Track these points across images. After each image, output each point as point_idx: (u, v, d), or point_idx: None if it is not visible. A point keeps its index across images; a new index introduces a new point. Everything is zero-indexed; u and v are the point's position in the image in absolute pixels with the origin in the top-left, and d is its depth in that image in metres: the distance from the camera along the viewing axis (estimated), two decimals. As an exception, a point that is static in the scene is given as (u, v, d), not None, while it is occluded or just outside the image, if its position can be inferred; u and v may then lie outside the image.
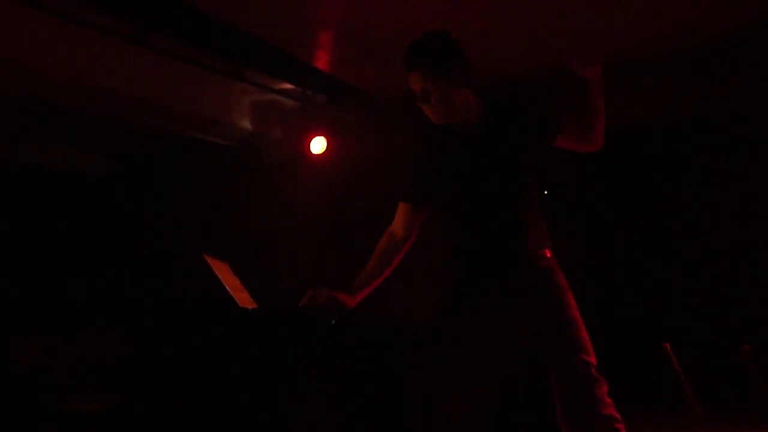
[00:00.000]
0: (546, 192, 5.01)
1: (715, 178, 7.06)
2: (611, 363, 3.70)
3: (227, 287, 4.38)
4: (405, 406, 4.11)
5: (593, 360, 3.64)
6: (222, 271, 4.49)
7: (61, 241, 8.70)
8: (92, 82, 6.86)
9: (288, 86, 8.08)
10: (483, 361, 3.72)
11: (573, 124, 3.92)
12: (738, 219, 6.84)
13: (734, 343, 5.19)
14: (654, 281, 6.69)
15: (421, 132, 3.82)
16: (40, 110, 7.64)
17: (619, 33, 6.51)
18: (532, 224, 3.83)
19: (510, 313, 3.71)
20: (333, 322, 4.29)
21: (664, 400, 4.42)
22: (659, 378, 4.47)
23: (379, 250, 3.91)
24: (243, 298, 4.47)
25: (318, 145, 8.30)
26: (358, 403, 4.11)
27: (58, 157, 9.16)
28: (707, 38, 6.78)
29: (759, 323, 6.59)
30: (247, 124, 8.48)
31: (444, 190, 3.87)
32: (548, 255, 3.83)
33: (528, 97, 3.95)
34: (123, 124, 8.22)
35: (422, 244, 7.96)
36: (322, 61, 7.58)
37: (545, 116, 3.92)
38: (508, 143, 3.82)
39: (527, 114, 3.89)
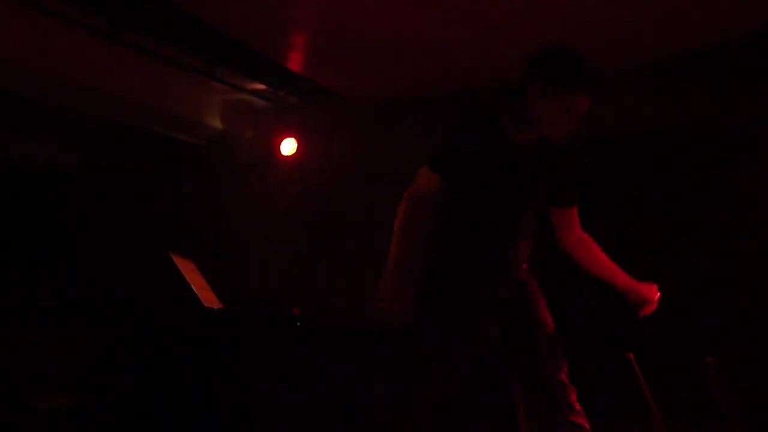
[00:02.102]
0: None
1: (686, 189, 7.09)
2: (574, 371, 3.71)
3: (193, 286, 4.37)
4: (367, 406, 4.11)
5: (564, 365, 3.66)
6: (188, 270, 4.48)
7: (26, 237, 8.62)
8: (63, 78, 6.82)
9: (260, 86, 8.06)
10: (454, 362, 3.71)
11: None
12: (707, 230, 6.88)
13: (699, 355, 5.23)
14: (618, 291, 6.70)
15: (488, 130, 3.63)
16: (9, 104, 7.57)
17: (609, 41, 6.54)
18: (529, 249, 3.84)
19: (490, 318, 3.71)
20: (298, 324, 4.29)
21: (626, 410, 4.44)
22: (622, 388, 4.49)
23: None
24: (209, 298, 4.46)
25: (288, 146, 8.30)
26: (322, 403, 4.11)
27: (25, 153, 9.08)
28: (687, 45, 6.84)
29: (724, 335, 6.64)
30: (217, 123, 8.46)
31: (473, 191, 3.74)
32: (525, 266, 3.84)
33: (580, 151, 3.84)
34: (93, 120, 8.16)
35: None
36: (294, 62, 7.57)
37: (579, 186, 3.87)
38: (551, 181, 3.77)
39: (574, 167, 3.82)
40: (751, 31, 6.60)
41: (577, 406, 3.61)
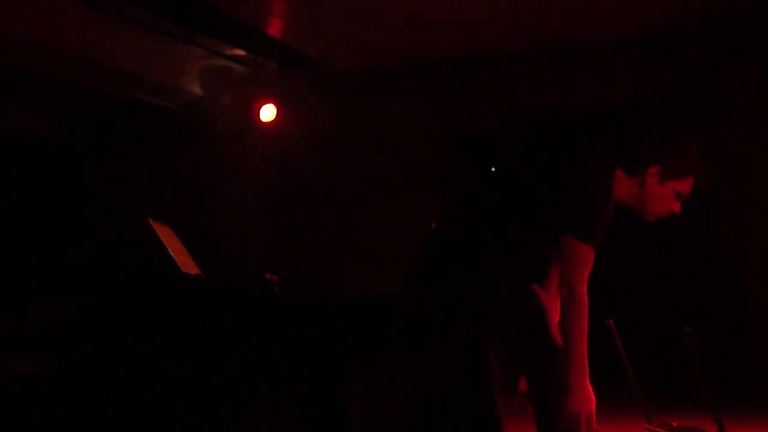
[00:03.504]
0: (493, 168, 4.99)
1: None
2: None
3: (171, 252, 4.35)
4: (346, 378, 4.11)
5: None
6: (166, 236, 4.46)
7: (4, 202, 8.56)
8: (41, 42, 6.77)
9: (239, 52, 8.00)
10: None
11: None
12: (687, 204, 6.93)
13: (678, 324, 5.27)
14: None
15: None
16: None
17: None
18: None
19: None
20: (277, 290, 4.28)
21: (605, 377, 4.46)
22: (603, 355, 4.51)
23: None
24: (186, 263, 4.44)
25: (267, 112, 8.25)
26: (300, 373, 4.10)
27: (2, 118, 9.01)
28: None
29: (703, 305, 6.72)
30: (196, 89, 8.40)
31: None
32: None
33: None
34: (70, 86, 8.09)
35: (382, 225, 8.05)
36: (274, 28, 7.53)
37: None
38: None
39: None
40: (731, 9, 6.65)
41: None
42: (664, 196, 3.54)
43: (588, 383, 3.37)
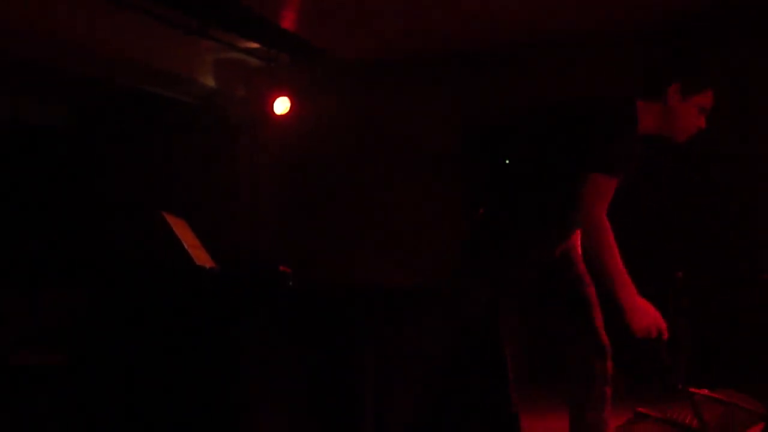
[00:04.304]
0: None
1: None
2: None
3: (185, 245, 4.37)
4: (359, 370, 4.13)
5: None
6: (180, 229, 4.47)
7: (16, 194, 8.60)
8: (55, 34, 6.77)
9: (253, 45, 8.02)
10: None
11: None
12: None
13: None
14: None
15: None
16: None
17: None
18: None
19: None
20: (290, 282, 4.29)
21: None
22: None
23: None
24: (201, 256, 4.46)
25: (281, 105, 8.26)
26: (314, 365, 4.12)
27: (17, 108, 9.04)
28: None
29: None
30: (210, 81, 8.41)
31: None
32: None
33: None
34: (86, 77, 8.11)
35: (395, 216, 8.07)
36: (287, 21, 7.53)
37: None
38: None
39: None
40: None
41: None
42: (688, 112, 3.57)
43: (640, 298, 3.42)
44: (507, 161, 6.23)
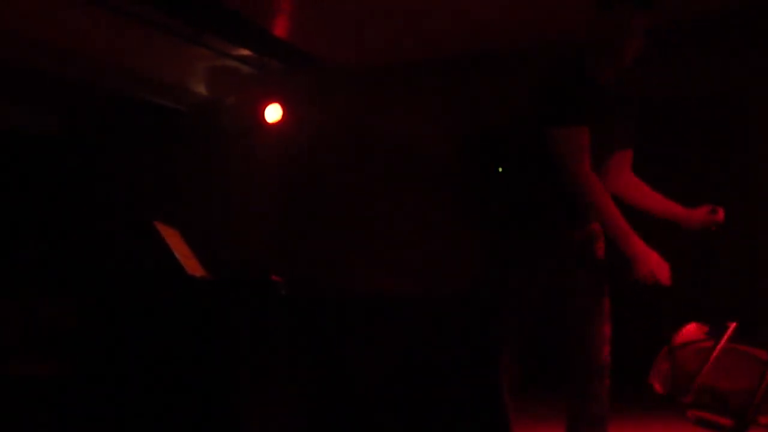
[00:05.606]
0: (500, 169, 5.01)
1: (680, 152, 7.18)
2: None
3: (177, 254, 4.35)
4: (352, 374, 4.12)
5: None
6: (172, 239, 4.46)
7: (7, 202, 8.57)
8: (47, 42, 6.77)
9: (245, 53, 8.01)
10: None
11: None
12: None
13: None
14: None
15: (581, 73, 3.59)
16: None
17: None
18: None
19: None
20: (282, 292, 4.28)
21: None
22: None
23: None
24: (193, 266, 4.45)
25: (273, 112, 8.26)
26: (305, 374, 4.11)
27: (8, 116, 9.02)
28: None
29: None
30: (202, 89, 8.41)
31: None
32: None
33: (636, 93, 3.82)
34: (76, 84, 8.10)
35: (389, 224, 8.05)
36: (279, 28, 7.52)
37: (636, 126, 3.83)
38: (620, 123, 3.75)
39: (635, 108, 3.81)
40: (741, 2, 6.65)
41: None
42: (616, 30, 3.55)
43: (642, 245, 3.45)
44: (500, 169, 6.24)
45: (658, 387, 3.77)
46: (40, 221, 8.64)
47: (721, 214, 3.66)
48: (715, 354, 3.62)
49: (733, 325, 4.02)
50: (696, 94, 7.12)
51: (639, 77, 3.91)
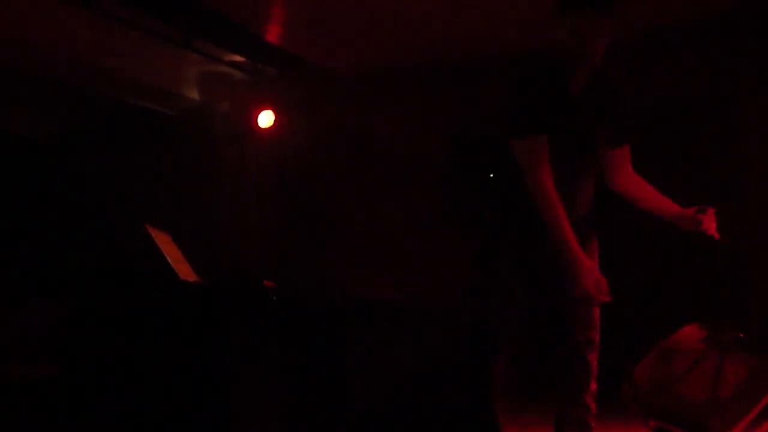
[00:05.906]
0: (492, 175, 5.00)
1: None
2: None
3: (169, 259, 4.36)
4: (343, 381, 4.13)
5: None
6: (164, 243, 4.47)
7: (1, 207, 8.56)
8: (40, 46, 6.76)
9: (237, 58, 8.01)
10: None
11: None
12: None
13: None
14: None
15: (550, 76, 3.61)
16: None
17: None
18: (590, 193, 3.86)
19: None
20: (274, 297, 4.29)
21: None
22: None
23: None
24: (184, 271, 4.45)
25: (266, 118, 8.26)
26: (297, 378, 4.12)
27: (0, 120, 9.01)
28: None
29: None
30: (194, 94, 8.41)
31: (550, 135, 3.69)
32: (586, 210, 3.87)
33: (628, 91, 3.84)
34: (70, 89, 8.11)
35: (382, 230, 8.05)
36: (272, 34, 7.53)
37: (630, 123, 3.85)
38: (606, 122, 3.77)
39: (624, 107, 3.83)
40: (731, 6, 6.67)
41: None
42: (569, 33, 3.59)
43: (583, 258, 3.47)
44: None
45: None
46: (34, 225, 8.64)
47: (711, 214, 3.68)
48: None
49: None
50: (685, 95, 7.14)
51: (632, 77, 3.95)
